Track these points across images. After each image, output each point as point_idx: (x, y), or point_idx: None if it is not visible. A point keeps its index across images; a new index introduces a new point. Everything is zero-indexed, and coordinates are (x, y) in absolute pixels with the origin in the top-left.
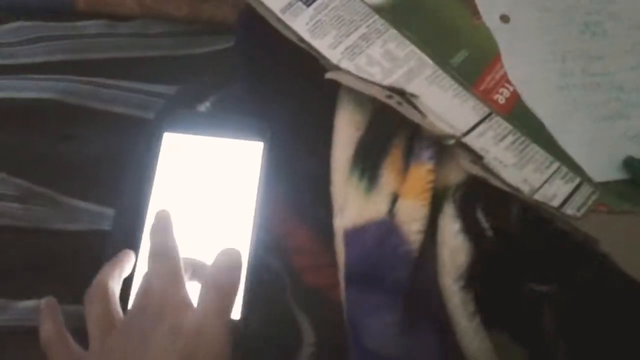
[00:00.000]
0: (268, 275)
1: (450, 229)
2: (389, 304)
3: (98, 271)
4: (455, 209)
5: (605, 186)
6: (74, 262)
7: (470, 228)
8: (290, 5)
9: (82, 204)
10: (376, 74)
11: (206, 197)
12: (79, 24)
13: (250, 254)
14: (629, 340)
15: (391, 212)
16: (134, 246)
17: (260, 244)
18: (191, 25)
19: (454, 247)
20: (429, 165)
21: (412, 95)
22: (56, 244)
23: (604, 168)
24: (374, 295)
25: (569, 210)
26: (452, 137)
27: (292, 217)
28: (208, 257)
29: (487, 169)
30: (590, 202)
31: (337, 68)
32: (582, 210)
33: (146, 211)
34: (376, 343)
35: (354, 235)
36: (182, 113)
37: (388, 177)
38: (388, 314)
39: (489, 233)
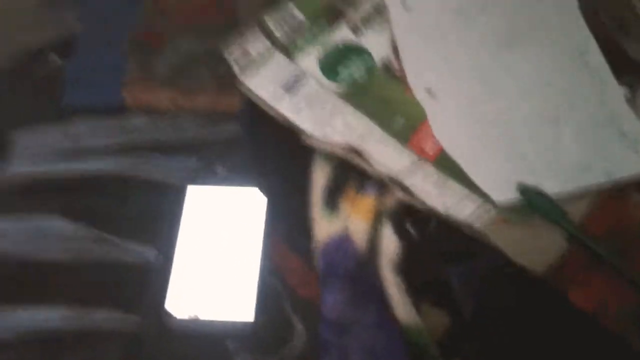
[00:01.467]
0: (271, 291)
1: (387, 232)
2: (340, 286)
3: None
4: (390, 219)
5: (504, 206)
6: (129, 284)
7: (400, 232)
8: (276, 94)
9: (132, 245)
10: (338, 139)
11: (222, 233)
12: (127, 117)
13: (259, 276)
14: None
15: (345, 228)
16: (167, 272)
17: (265, 268)
18: (211, 114)
19: (387, 243)
20: (372, 196)
21: (365, 151)
22: (118, 273)
23: (502, 193)
24: (332, 280)
25: (474, 222)
26: (388, 177)
27: (286, 247)
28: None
29: (414, 196)
30: (491, 216)
31: (311, 136)
32: (484, 223)
33: (177, 246)
34: (331, 313)
35: (323, 248)
36: (203, 174)
37: (344, 205)
38: (340, 293)
39: (414, 236)
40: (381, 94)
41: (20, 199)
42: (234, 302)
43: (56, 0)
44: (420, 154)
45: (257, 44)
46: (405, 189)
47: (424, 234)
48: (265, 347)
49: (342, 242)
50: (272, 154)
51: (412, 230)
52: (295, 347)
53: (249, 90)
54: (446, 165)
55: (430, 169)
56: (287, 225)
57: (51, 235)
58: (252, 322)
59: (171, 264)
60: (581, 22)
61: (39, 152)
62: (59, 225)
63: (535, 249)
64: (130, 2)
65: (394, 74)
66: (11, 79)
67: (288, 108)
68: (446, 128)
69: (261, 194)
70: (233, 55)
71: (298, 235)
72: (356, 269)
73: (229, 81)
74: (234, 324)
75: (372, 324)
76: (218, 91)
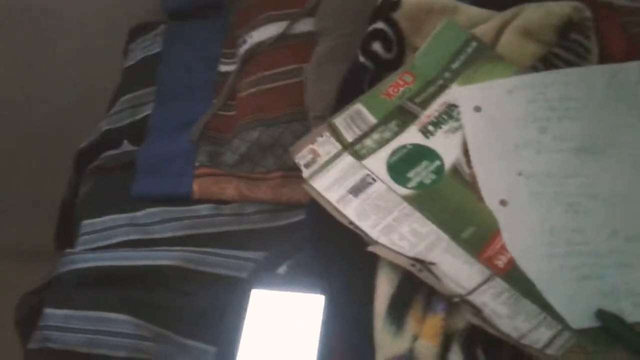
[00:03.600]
0: None
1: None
2: None
3: None
4: (460, 347)
5: (581, 332)
6: None
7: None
8: (343, 197)
9: (192, 343)
10: (405, 247)
11: (281, 337)
12: (193, 207)
13: None
14: None
15: (411, 349)
16: None
17: None
18: (275, 205)
19: None
20: (441, 315)
21: (431, 263)
22: None
23: (581, 318)
24: None
25: (550, 351)
26: (458, 296)
27: (347, 355)
28: None
29: (485, 319)
30: (568, 345)
31: (376, 242)
32: (561, 351)
33: (238, 348)
34: None
35: None
36: (266, 274)
37: (411, 324)
38: None
39: None
40: (451, 201)
41: (83, 290)
42: None
43: (132, 83)
44: (491, 267)
45: (326, 146)
46: (475, 309)
47: None
48: None
49: None
50: (336, 257)
51: (483, 358)
52: None
53: (316, 191)
54: (519, 281)
55: (502, 285)
56: (349, 331)
57: (110, 330)
58: None
59: None
60: None
61: (105, 240)
62: (119, 320)
63: None
64: (204, 87)
65: (464, 180)
66: (82, 163)
67: (354, 212)
68: (520, 241)
69: (321, 298)
70: (301, 157)
71: (359, 342)
72: None
73: (293, 173)
74: None
75: None
76: (282, 182)
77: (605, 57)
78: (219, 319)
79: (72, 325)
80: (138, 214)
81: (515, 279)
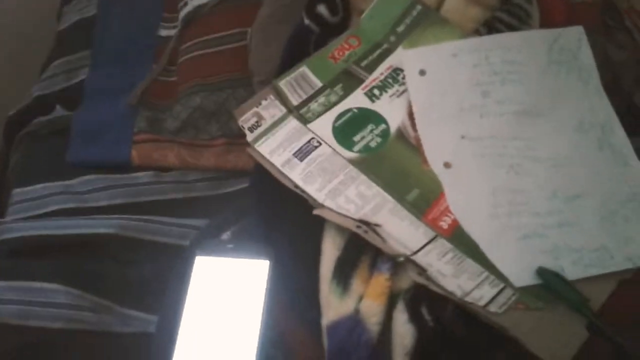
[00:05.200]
0: None
1: (400, 319)
2: None
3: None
4: (405, 305)
5: (524, 290)
6: (128, 355)
7: (415, 319)
8: (288, 161)
9: (133, 312)
10: (351, 210)
11: (225, 304)
12: (132, 174)
13: (258, 347)
14: None
15: (357, 309)
16: (171, 343)
17: (267, 340)
18: (219, 173)
19: (403, 332)
20: (387, 275)
21: (376, 225)
22: (116, 343)
23: (522, 276)
24: None
25: (493, 308)
26: (403, 255)
27: (292, 319)
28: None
29: (429, 278)
30: (510, 302)
31: (322, 206)
32: (503, 308)
33: (181, 317)
34: None
35: (331, 328)
36: (210, 241)
37: (357, 284)
38: None
39: (430, 323)
40: (397, 163)
41: (14, 260)
42: None
43: (66, 47)
44: (436, 228)
45: (271, 109)
46: (420, 269)
47: (440, 321)
48: None
49: (354, 325)
50: (282, 221)
51: (427, 317)
52: None
53: (261, 155)
54: (462, 242)
55: (446, 245)
56: (294, 295)
57: (45, 301)
58: None
59: (175, 335)
60: (604, 99)
61: (38, 209)
62: (53, 290)
63: (557, 339)
64: (143, 52)
65: (409, 143)
66: (12, 130)
67: (300, 175)
68: (463, 203)
69: (265, 263)
70: (246, 120)
71: (305, 306)
72: (368, 358)
73: (237, 139)
74: None
75: None
76: (226, 148)
77: (546, 23)
78: (161, 288)
79: (3, 297)
80: (73, 181)
81: (459, 239)
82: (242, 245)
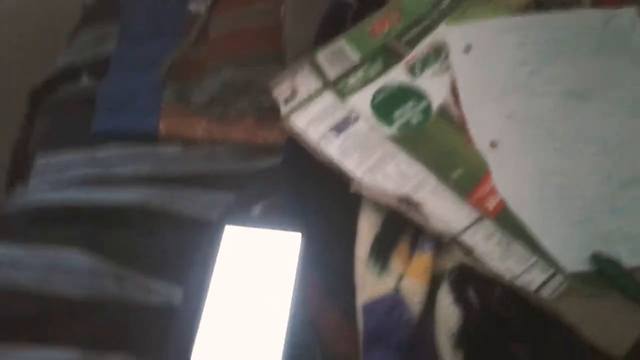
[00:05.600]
0: (302, 347)
1: (445, 300)
2: (391, 356)
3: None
4: (450, 286)
5: (576, 276)
6: (151, 328)
7: (461, 301)
8: (324, 135)
9: (157, 284)
10: (390, 187)
11: (254, 277)
12: (160, 147)
13: (288, 325)
14: None
15: (397, 288)
16: (197, 316)
17: (297, 319)
18: (248, 147)
19: (448, 314)
20: (429, 254)
21: (418, 203)
22: (139, 314)
23: (574, 261)
24: (380, 352)
25: (544, 293)
26: (447, 235)
27: (324, 299)
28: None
29: (477, 259)
30: (562, 288)
31: (360, 182)
32: (555, 294)
33: (208, 289)
34: None
35: (369, 307)
36: (240, 215)
37: (396, 263)
38: None
39: (477, 306)
40: (439, 142)
41: (37, 227)
42: (261, 355)
43: (94, 18)
44: (481, 209)
45: (307, 82)
46: (466, 249)
47: (488, 304)
48: None
49: (394, 305)
50: (315, 197)
51: (474, 299)
52: None
53: (295, 129)
54: (509, 224)
55: (492, 227)
56: (326, 275)
57: (66, 268)
58: None
59: (200, 310)
60: None
61: (62, 178)
62: (75, 257)
63: (612, 327)
64: (172, 26)
65: (453, 121)
66: (39, 98)
67: (336, 150)
68: (510, 184)
69: (297, 236)
70: (280, 92)
71: (338, 287)
72: (409, 338)
73: (269, 114)
74: None
75: None
76: (257, 123)
77: (598, 2)
78: (186, 261)
79: (24, 263)
80: (98, 151)
81: (506, 222)
82: (274, 219)
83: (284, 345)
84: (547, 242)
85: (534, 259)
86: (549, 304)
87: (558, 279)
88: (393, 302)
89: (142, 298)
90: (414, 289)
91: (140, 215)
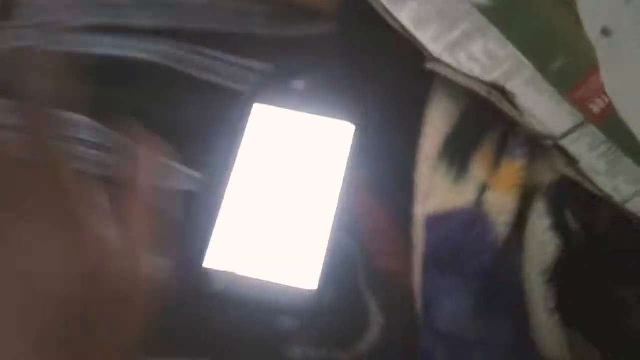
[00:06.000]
0: (343, 256)
1: (540, 224)
2: (467, 288)
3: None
4: (546, 205)
5: None
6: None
7: (560, 226)
8: None
9: (171, 164)
10: (475, 71)
11: (291, 171)
12: None
13: (331, 231)
14: None
15: (479, 202)
16: (216, 209)
17: (342, 224)
18: (288, 8)
19: (543, 241)
20: (521, 162)
21: (511, 93)
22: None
23: None
24: (452, 279)
25: None
26: (550, 137)
27: (374, 200)
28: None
29: (581, 173)
30: None
31: (438, 60)
32: None
33: (229, 178)
34: (449, 325)
35: (438, 221)
36: (275, 88)
37: (478, 169)
38: (464, 297)
39: (579, 235)
40: (540, 19)
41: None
42: (294, 263)
43: None
44: (585, 111)
45: None
46: (570, 159)
47: (592, 232)
48: (329, 335)
49: (474, 222)
50: (375, 74)
51: (575, 225)
52: (368, 335)
53: None
54: (619, 133)
55: (598, 135)
56: (381, 173)
57: (63, 135)
58: (314, 292)
59: (220, 202)
60: None
61: (57, 20)
62: (74, 121)
63: None
64: None
65: None
66: None
67: (410, 16)
68: (623, 82)
69: (349, 127)
70: None
71: (394, 190)
72: (492, 266)
73: None
74: (290, 290)
75: (504, 346)
76: None
77: None
78: (206, 137)
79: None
80: None
81: (615, 130)
82: (320, 98)
83: (326, 254)
84: None
85: None
86: None
87: None
88: (473, 218)
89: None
90: (501, 205)
91: (153, 74)
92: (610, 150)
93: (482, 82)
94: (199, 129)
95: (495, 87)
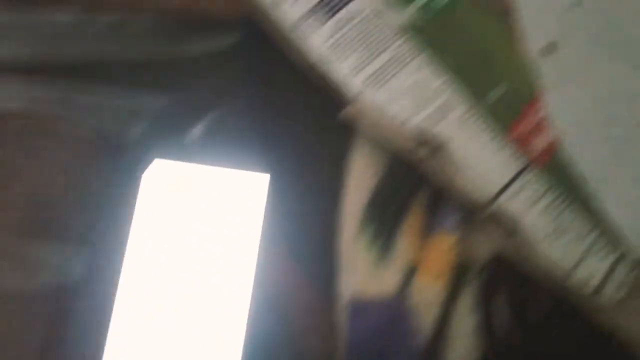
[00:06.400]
0: (265, 337)
1: (466, 322)
2: None
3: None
4: (475, 296)
5: None
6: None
7: (487, 322)
8: (306, 16)
9: (44, 250)
10: (403, 109)
11: (198, 242)
12: (48, 13)
13: (249, 310)
14: None
15: (403, 291)
16: (108, 300)
17: (260, 300)
18: (183, 20)
19: (466, 345)
20: (454, 236)
21: (443, 143)
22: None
23: None
24: None
25: (609, 290)
26: (487, 206)
27: (296, 270)
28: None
29: (522, 243)
30: (628, 280)
31: (356, 99)
32: (624, 289)
33: (122, 258)
34: None
35: (358, 309)
36: (172, 135)
37: (405, 244)
38: None
39: (509, 326)
40: (474, 37)
41: None
42: (209, 352)
43: None
44: (526, 152)
45: None
46: (510, 226)
47: (526, 322)
48: None
49: (396, 317)
50: (288, 103)
51: (505, 316)
52: None
53: (262, 5)
54: (564, 177)
55: (540, 183)
56: (302, 237)
57: None
58: None
59: (113, 291)
60: None
61: None
62: None
63: None
64: None
65: (494, 7)
66: None
67: (324, 44)
68: (570, 112)
69: (263, 178)
70: None
71: (318, 257)
72: None
73: None
74: None
75: None
76: None
77: None
78: (88, 205)
79: None
80: None
81: (560, 172)
82: (225, 143)
83: (245, 335)
84: (613, 205)
85: (595, 233)
86: (611, 315)
87: (625, 265)
88: (396, 313)
89: (19, 280)
90: (428, 297)
91: (16, 127)
92: (556, 200)
93: (410, 130)
94: (78, 195)
95: (423, 136)
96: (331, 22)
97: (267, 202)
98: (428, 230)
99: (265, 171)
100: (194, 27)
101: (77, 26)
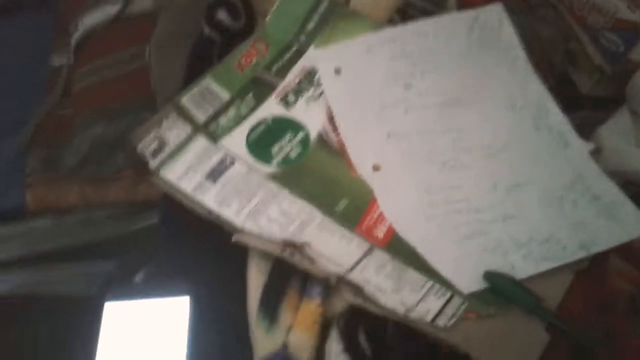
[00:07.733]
0: None
1: (334, 350)
2: None
3: None
4: (339, 333)
5: (473, 296)
6: None
7: (351, 348)
8: (199, 185)
9: None
10: (275, 230)
11: (143, 354)
12: (30, 223)
13: None
14: None
15: (286, 343)
16: None
17: None
18: (129, 207)
19: None
20: (317, 301)
21: (304, 244)
22: None
23: (470, 281)
24: None
25: (441, 322)
26: (334, 277)
27: None
28: None
29: (367, 297)
30: (460, 312)
31: (241, 231)
32: (452, 321)
33: None
34: None
35: None
36: (121, 286)
37: (286, 314)
38: None
39: (368, 352)
40: (321, 173)
41: None
42: None
43: None
44: (371, 239)
45: (174, 129)
46: (356, 288)
47: (381, 348)
48: None
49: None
50: (199, 253)
51: (365, 345)
52: None
53: (168, 183)
54: (401, 250)
55: (383, 257)
56: (221, 335)
57: None
58: None
59: None
60: (534, 77)
61: None
62: None
63: (514, 349)
64: (33, 85)
65: (333, 148)
66: None
67: (214, 199)
68: (397, 207)
69: (184, 300)
70: (146, 145)
71: (235, 348)
72: None
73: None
74: None
75: None
76: (136, 179)
77: (463, 4)
78: (61, 348)
79: None
80: None
81: (398, 248)
82: (158, 284)
83: None
84: (439, 263)
85: (429, 284)
86: (445, 335)
87: (455, 302)
88: (283, 358)
89: None
90: (302, 344)
91: (13, 304)
92: (396, 268)
93: (276, 242)
94: (51, 342)
95: (289, 243)
96: (217, 185)
97: (190, 316)
98: (300, 300)
99: (186, 294)
100: (139, 209)
101: (52, 228)
